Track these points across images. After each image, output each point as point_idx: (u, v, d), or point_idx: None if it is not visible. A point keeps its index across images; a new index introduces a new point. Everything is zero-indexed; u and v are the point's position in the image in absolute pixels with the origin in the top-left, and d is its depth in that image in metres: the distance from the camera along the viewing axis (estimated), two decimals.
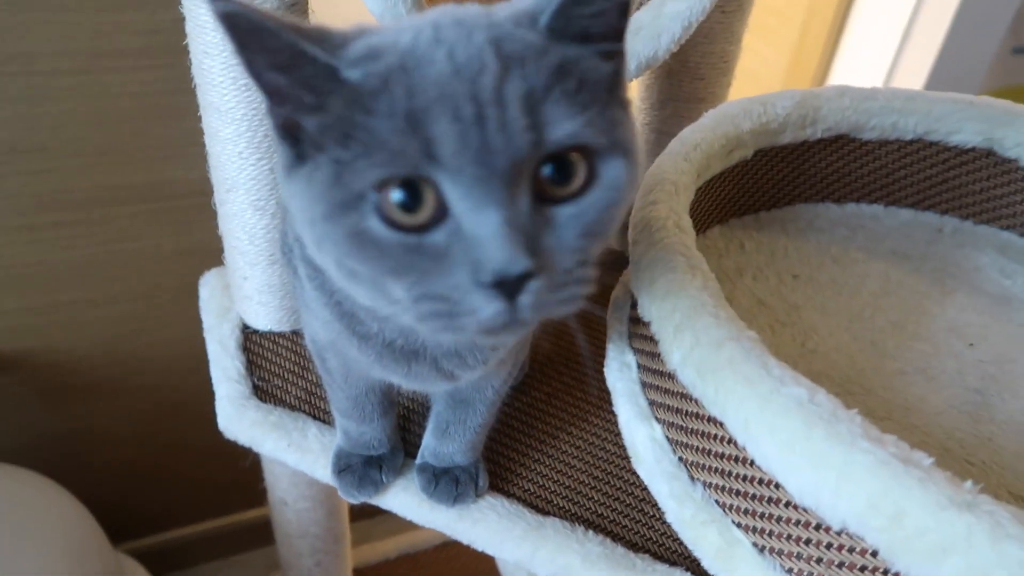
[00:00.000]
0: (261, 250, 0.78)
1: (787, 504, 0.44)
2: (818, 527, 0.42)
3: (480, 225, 0.34)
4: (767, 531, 0.46)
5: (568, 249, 0.37)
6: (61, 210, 0.92)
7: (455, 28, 0.36)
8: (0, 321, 0.96)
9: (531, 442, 0.75)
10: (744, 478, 0.46)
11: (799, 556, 0.44)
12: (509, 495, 0.70)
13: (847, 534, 0.41)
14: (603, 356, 0.76)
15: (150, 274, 1.00)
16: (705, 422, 0.48)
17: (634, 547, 0.66)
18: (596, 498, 0.70)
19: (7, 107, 0.84)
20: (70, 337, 1.01)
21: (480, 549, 0.70)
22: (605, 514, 0.69)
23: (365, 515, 1.21)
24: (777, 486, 0.44)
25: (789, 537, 0.44)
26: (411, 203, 0.35)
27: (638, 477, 0.70)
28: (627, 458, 0.71)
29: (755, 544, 0.47)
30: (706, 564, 0.50)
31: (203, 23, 0.66)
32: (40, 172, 0.89)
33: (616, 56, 0.39)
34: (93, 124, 0.88)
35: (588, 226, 0.37)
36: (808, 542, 0.43)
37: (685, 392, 0.49)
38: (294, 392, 0.78)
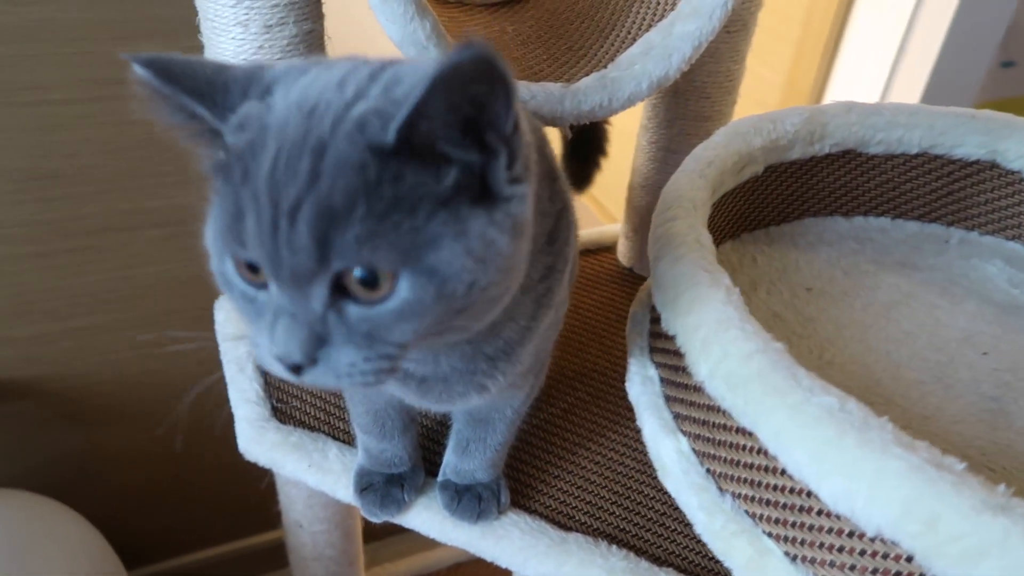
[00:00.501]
0: None
1: (819, 512, 0.44)
2: (851, 534, 0.43)
3: (277, 317, 0.37)
4: (799, 540, 0.46)
5: (356, 344, 0.38)
6: (74, 236, 0.92)
7: (304, 119, 0.36)
8: (14, 349, 0.96)
9: (550, 458, 0.76)
10: (775, 487, 0.47)
11: (832, 564, 0.45)
12: (531, 511, 0.70)
13: (881, 540, 0.41)
14: (616, 371, 0.77)
15: (163, 300, 1.01)
16: (734, 433, 0.49)
17: (658, 561, 0.67)
18: (618, 512, 0.71)
19: (22, 136, 0.85)
20: (83, 363, 1.01)
21: (504, 566, 0.70)
22: (627, 528, 0.70)
23: (374, 537, 1.21)
24: (809, 494, 0.44)
25: (822, 545, 0.45)
26: (249, 265, 0.38)
27: (658, 491, 0.70)
28: (647, 472, 0.72)
29: (787, 553, 0.47)
30: (737, 575, 0.50)
31: (221, 50, 0.67)
32: (54, 199, 0.90)
33: (488, 155, 0.37)
34: (106, 151, 0.89)
35: (377, 331, 0.38)
36: (841, 549, 0.44)
37: (713, 404, 0.50)
38: (313, 413, 0.79)
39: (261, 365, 0.40)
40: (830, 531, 0.44)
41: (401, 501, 0.69)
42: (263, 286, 0.39)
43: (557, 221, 0.50)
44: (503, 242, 0.38)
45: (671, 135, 0.92)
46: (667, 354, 0.57)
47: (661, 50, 0.71)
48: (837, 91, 1.42)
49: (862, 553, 0.43)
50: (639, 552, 0.67)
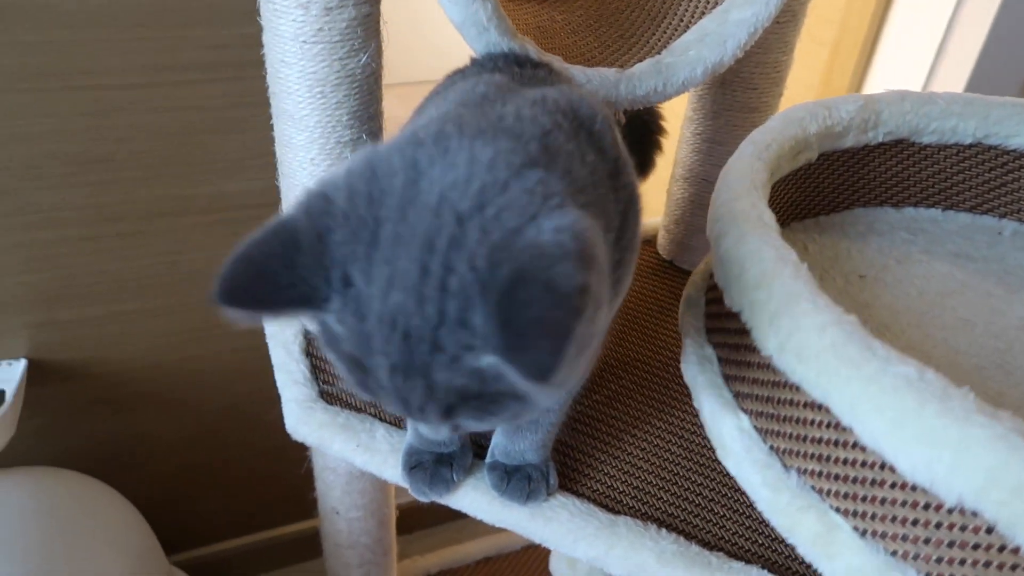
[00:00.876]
0: None
1: (893, 485, 0.44)
2: (927, 506, 0.43)
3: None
4: (870, 514, 0.46)
5: (481, 426, 0.46)
6: (123, 221, 0.94)
7: (402, 344, 0.38)
8: (60, 331, 0.97)
9: (596, 444, 0.75)
10: (845, 461, 0.46)
11: (905, 538, 0.44)
12: (579, 495, 0.70)
13: (960, 511, 0.41)
14: (659, 360, 0.77)
15: (204, 286, 1.02)
16: (802, 408, 0.49)
17: (707, 545, 0.66)
18: (665, 498, 0.71)
19: (77, 119, 0.86)
20: (128, 347, 1.02)
21: (553, 548, 0.70)
22: (676, 514, 0.69)
23: (406, 531, 1.21)
24: (883, 467, 0.44)
25: (894, 519, 0.44)
26: None
27: (705, 477, 0.70)
28: (693, 459, 0.72)
29: (856, 528, 0.47)
30: (803, 551, 0.50)
31: (281, 33, 0.68)
32: (105, 183, 0.91)
33: None
34: (158, 136, 0.91)
35: (500, 419, 0.42)
36: (916, 523, 0.43)
37: (779, 380, 0.50)
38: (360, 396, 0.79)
39: None
40: (904, 504, 0.44)
41: (450, 480, 0.69)
42: None
43: (624, 218, 0.51)
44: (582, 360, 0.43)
45: (717, 126, 0.92)
46: (727, 333, 0.57)
47: (716, 37, 0.71)
48: (874, 89, 1.41)
49: (938, 526, 0.43)
50: (688, 536, 0.67)
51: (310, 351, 0.84)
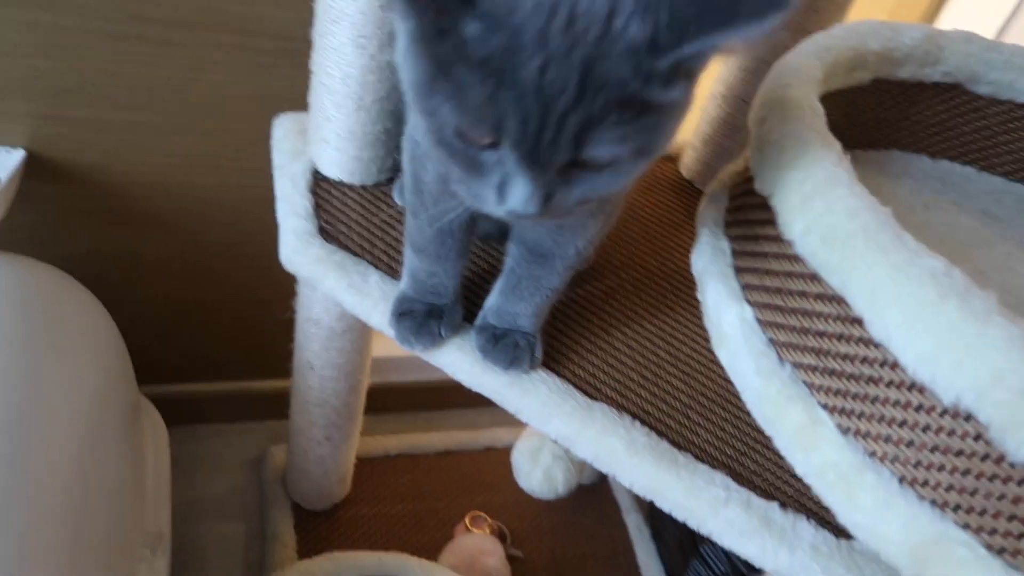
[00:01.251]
0: (352, 92, 0.77)
1: (889, 383, 0.43)
2: (919, 408, 0.42)
3: (516, 181, 0.43)
4: (857, 412, 0.45)
5: (570, 204, 0.45)
6: (147, 22, 0.90)
7: (564, 32, 0.38)
8: (68, 128, 0.94)
9: (585, 333, 0.75)
10: (844, 357, 0.46)
11: (888, 439, 0.44)
12: (560, 375, 0.70)
13: (952, 415, 0.40)
14: (662, 270, 0.76)
15: (220, 113, 0.98)
16: (812, 299, 0.47)
17: (677, 446, 0.66)
18: (643, 396, 0.70)
19: None
20: (135, 160, 0.99)
21: (525, 420, 0.70)
22: (651, 412, 0.69)
23: (372, 410, 1.21)
24: (883, 364, 0.43)
25: (881, 419, 0.44)
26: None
27: (687, 384, 0.70)
28: (677, 365, 0.71)
29: (839, 425, 0.47)
30: (780, 442, 0.50)
31: None
32: None
33: None
34: None
35: (592, 193, 0.45)
36: (903, 424, 0.43)
37: (796, 271, 0.48)
38: (358, 240, 0.78)
39: (474, 207, 0.47)
40: (895, 404, 0.43)
41: (436, 334, 0.68)
42: (489, 147, 0.43)
43: None
44: (677, 123, 0.43)
45: (769, 45, 0.88)
46: (747, 225, 0.56)
47: None
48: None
49: (925, 429, 0.42)
50: (660, 434, 0.67)
51: (316, 191, 0.82)
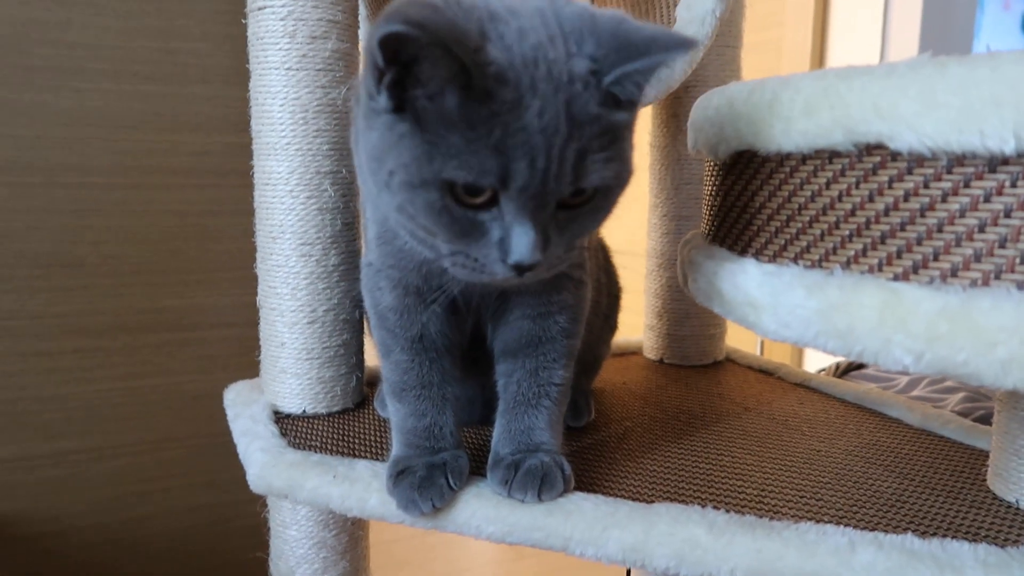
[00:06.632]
0: (303, 305, 0.75)
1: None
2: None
3: (518, 230, 0.47)
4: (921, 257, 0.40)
5: (565, 243, 0.50)
6: (84, 336, 0.88)
7: (547, 80, 0.45)
8: None
9: (611, 464, 0.66)
10: (885, 212, 0.42)
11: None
12: (602, 493, 0.60)
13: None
14: (665, 412, 0.71)
15: (164, 420, 0.93)
16: (824, 190, 0.45)
17: (763, 515, 0.55)
18: (699, 485, 0.60)
19: (53, 218, 0.86)
20: (65, 498, 0.88)
21: (578, 551, 0.57)
22: (716, 493, 0.58)
23: None
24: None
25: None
26: (476, 193, 0.46)
27: (734, 459, 0.60)
28: (707, 455, 0.62)
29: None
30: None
31: (267, 62, 0.73)
32: (71, 290, 0.87)
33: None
34: (133, 241, 0.90)
35: (580, 231, 0.50)
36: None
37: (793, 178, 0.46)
38: (332, 446, 0.70)
39: (472, 279, 0.50)
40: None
41: (444, 486, 0.58)
42: (485, 207, 0.47)
43: None
44: (632, 149, 0.51)
45: (680, 201, 0.95)
46: (732, 195, 0.55)
47: None
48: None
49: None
50: (739, 511, 0.56)
51: (278, 422, 0.75)
